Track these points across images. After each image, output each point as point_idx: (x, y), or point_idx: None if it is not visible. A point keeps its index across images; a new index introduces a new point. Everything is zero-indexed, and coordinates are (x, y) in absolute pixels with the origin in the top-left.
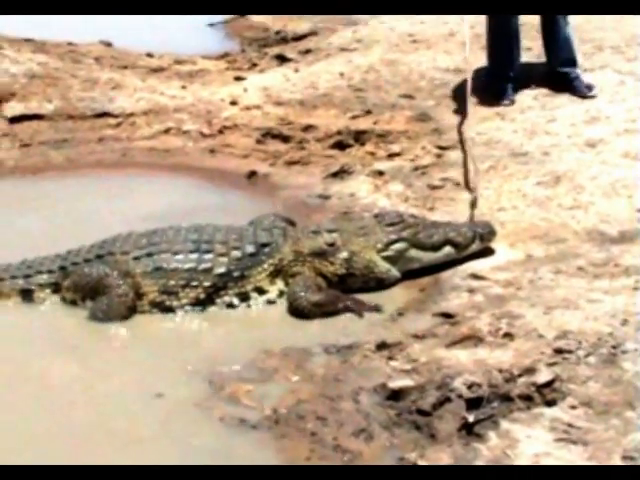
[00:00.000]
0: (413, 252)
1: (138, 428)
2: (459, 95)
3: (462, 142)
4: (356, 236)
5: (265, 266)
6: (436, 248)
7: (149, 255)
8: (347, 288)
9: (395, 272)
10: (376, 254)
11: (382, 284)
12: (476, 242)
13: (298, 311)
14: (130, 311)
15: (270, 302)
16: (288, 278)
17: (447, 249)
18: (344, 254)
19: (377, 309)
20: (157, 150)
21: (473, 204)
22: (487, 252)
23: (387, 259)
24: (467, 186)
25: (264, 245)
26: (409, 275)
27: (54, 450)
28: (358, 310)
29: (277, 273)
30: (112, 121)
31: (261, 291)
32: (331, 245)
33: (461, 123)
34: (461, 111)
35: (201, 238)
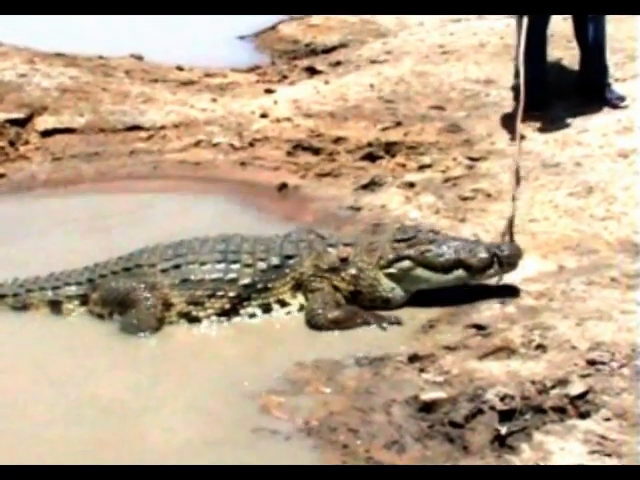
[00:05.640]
0: (419, 271)
1: (172, 441)
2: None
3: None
4: (366, 251)
5: (287, 279)
6: (446, 269)
7: (176, 267)
8: (361, 306)
9: (400, 292)
10: (380, 271)
11: (388, 304)
12: (494, 267)
13: (316, 328)
14: (159, 322)
15: (290, 315)
16: (308, 293)
17: (459, 272)
18: (352, 270)
19: (397, 322)
20: (188, 163)
21: (510, 222)
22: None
23: (391, 277)
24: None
25: (289, 257)
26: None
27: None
28: (378, 323)
29: (298, 287)
30: (143, 134)
31: (283, 303)
32: (343, 260)
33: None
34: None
35: (228, 248)
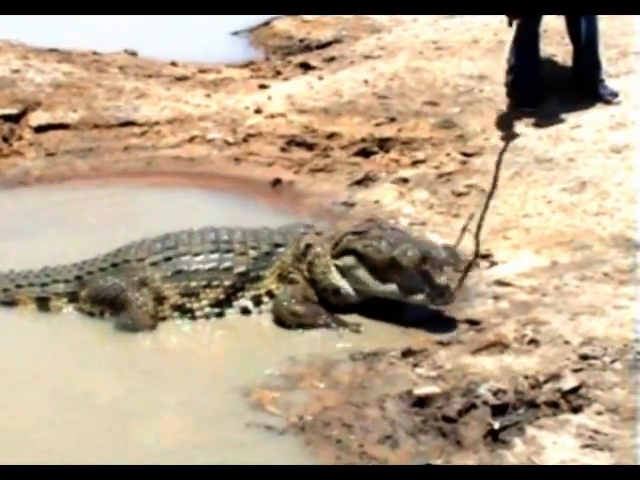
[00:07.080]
0: (361, 273)
1: (166, 438)
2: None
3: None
4: (326, 240)
5: (274, 268)
6: (382, 270)
7: (167, 259)
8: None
9: (349, 286)
10: (332, 260)
11: (339, 296)
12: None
13: (277, 317)
14: (153, 320)
15: None
16: (287, 285)
17: (392, 286)
18: (310, 256)
19: (357, 329)
20: (182, 159)
21: (464, 228)
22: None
23: (338, 270)
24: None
25: (278, 245)
26: None
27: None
28: (338, 327)
29: (281, 278)
30: (137, 130)
31: (272, 295)
32: (309, 246)
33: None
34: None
35: (220, 238)
